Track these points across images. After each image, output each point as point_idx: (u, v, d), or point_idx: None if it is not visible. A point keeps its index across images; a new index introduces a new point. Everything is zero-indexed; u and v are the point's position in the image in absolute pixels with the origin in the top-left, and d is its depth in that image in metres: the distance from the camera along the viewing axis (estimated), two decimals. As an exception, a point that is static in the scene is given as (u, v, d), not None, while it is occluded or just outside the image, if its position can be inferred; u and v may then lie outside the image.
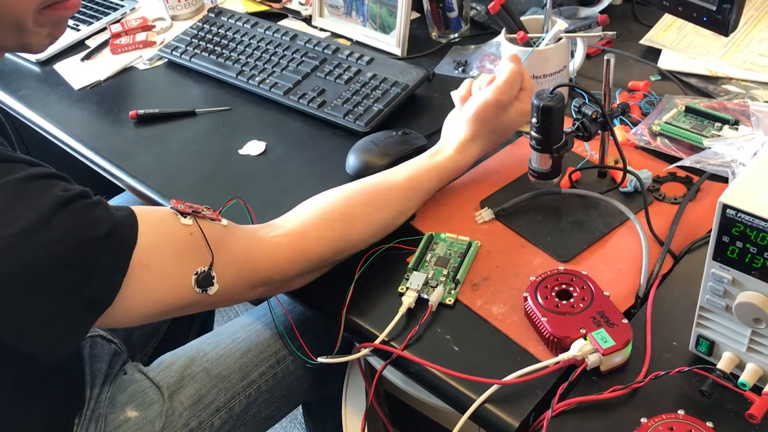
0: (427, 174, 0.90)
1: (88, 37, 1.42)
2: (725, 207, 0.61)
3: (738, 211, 0.60)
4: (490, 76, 0.93)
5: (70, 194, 0.67)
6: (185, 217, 0.75)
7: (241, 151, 1.10)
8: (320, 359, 0.84)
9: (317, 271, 0.85)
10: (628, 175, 0.89)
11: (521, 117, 0.93)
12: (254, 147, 1.10)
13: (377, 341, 0.80)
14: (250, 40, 1.29)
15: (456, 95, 0.97)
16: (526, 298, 0.78)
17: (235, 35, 1.30)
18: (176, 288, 0.73)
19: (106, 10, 1.47)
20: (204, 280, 0.74)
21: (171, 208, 0.75)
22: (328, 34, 1.33)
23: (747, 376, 0.66)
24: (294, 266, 0.81)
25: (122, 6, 1.48)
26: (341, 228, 0.84)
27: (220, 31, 1.32)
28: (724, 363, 0.68)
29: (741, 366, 0.68)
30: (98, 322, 0.70)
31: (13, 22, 0.72)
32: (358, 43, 1.29)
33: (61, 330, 0.68)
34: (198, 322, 1.35)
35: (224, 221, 0.78)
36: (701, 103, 1.00)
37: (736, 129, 0.95)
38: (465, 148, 0.92)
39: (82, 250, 0.66)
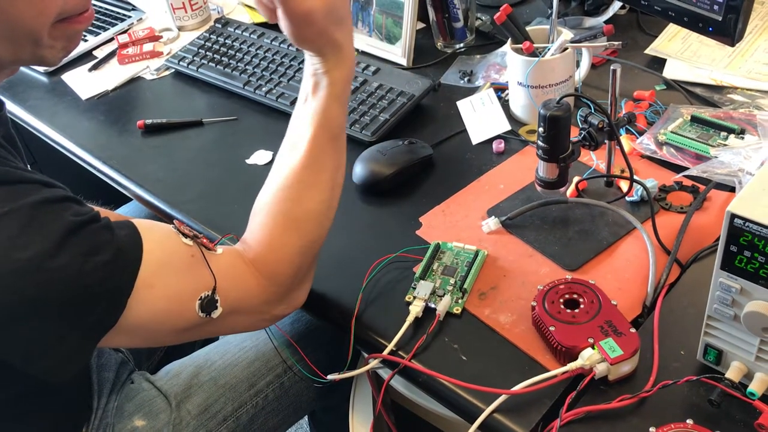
0: (326, 115, 0.79)
1: (95, 48, 1.43)
2: (733, 216, 0.61)
3: (746, 220, 0.60)
4: None
5: (81, 220, 0.67)
6: (186, 237, 0.75)
7: (249, 161, 1.11)
8: (330, 377, 0.85)
9: (307, 277, 0.83)
10: (634, 184, 0.89)
11: None
12: (261, 157, 1.11)
13: (385, 351, 0.80)
14: (256, 50, 1.29)
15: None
16: (533, 308, 0.78)
17: (242, 46, 1.31)
18: (180, 310, 0.73)
19: (113, 21, 1.48)
20: (208, 305, 0.74)
21: (173, 227, 0.76)
22: (334, 44, 1.33)
23: (756, 386, 0.66)
24: (277, 286, 0.80)
25: (129, 17, 1.49)
26: (293, 239, 0.80)
27: (226, 41, 1.33)
28: (732, 372, 0.68)
29: (749, 375, 0.68)
30: (102, 342, 0.70)
31: (29, 36, 0.72)
32: (363, 53, 1.29)
33: (65, 354, 0.68)
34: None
35: (219, 250, 0.78)
36: (707, 113, 1.01)
37: (742, 138, 0.95)
38: (337, 62, 0.78)
39: (90, 276, 0.66)
